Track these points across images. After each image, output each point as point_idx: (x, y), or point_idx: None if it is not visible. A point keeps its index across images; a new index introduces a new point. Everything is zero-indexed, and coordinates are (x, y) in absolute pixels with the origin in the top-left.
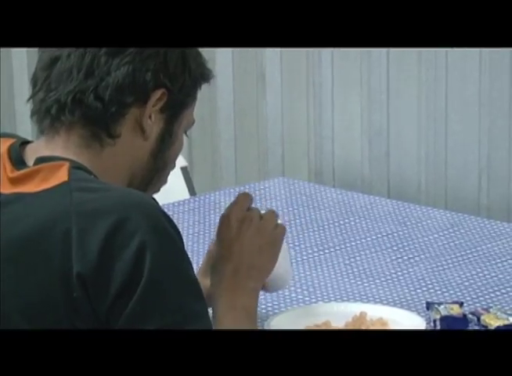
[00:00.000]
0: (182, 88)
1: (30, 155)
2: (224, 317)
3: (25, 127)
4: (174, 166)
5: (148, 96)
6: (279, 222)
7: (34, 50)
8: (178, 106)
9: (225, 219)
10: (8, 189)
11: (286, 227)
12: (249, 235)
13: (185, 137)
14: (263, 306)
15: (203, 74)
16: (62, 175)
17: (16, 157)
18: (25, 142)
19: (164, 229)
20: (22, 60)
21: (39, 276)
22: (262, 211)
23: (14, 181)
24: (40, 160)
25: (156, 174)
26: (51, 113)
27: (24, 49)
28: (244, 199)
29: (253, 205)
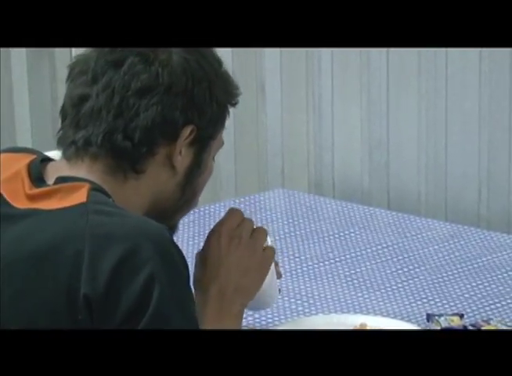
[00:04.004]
0: (211, 120)
1: (51, 173)
2: None
3: (25, 137)
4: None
5: (177, 134)
6: (269, 243)
7: (33, 60)
8: (207, 138)
9: (214, 236)
10: (24, 205)
11: (286, 238)
12: (237, 255)
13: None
14: (263, 318)
15: (230, 100)
16: (81, 196)
17: (36, 175)
18: (45, 159)
19: (175, 263)
20: (22, 69)
21: (45, 292)
22: (255, 226)
23: (31, 197)
24: (61, 179)
25: (185, 203)
26: (77, 146)
27: (24, 59)
28: (235, 215)
29: (247, 217)
